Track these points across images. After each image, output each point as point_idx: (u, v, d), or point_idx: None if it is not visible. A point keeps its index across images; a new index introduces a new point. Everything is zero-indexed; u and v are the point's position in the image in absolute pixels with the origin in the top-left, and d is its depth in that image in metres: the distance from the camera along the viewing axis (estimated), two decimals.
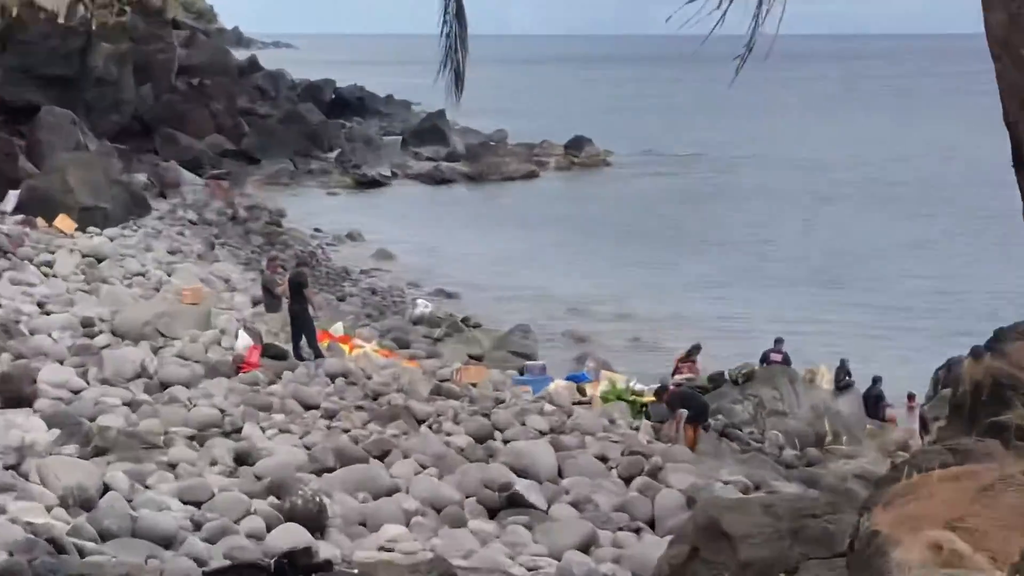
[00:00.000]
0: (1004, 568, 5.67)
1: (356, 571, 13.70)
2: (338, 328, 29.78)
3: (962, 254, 51.18)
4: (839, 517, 11.89)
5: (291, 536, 16.02)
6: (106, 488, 17.30)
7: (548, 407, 24.35)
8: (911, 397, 30.88)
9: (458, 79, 8.66)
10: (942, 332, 37.29)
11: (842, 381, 29.93)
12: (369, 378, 24.85)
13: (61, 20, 52.78)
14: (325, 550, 16.01)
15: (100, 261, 35.20)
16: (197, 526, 16.53)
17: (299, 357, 25.91)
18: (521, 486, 19.21)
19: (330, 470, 19.45)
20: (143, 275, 34.74)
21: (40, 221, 38.33)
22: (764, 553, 11.60)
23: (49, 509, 16.36)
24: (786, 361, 29.74)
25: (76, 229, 38.54)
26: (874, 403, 29.73)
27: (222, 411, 21.58)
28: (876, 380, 30.19)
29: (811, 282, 45.58)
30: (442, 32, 8.58)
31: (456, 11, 8.38)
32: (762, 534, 11.88)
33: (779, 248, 52.79)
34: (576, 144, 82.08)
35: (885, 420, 29.68)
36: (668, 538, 16.66)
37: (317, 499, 17.19)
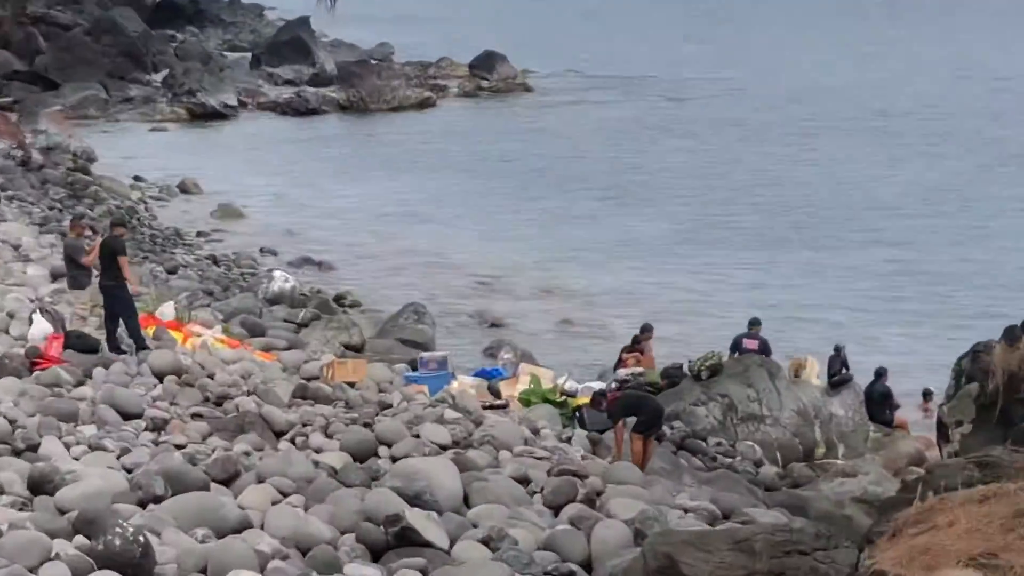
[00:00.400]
0: None
1: None
2: (168, 310, 29.53)
3: (989, 205, 51.84)
4: (833, 553, 12.00)
5: None
6: None
7: (450, 413, 24.27)
8: (927, 395, 31.20)
9: None
10: (966, 309, 37.76)
11: (837, 375, 30.15)
12: (210, 376, 24.60)
13: None
14: None
15: None
16: None
17: (115, 349, 25.64)
18: (415, 518, 19.13)
19: (158, 500, 19.26)
20: None
21: None
22: None
23: None
24: (764, 349, 29.86)
25: None
26: (878, 403, 29.93)
27: (12, 422, 21.25)
28: (880, 373, 30.33)
29: (794, 243, 45.98)
30: None
31: None
32: (730, 572, 11.95)
33: (752, 199, 53.16)
34: (486, 63, 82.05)
35: (893, 425, 29.92)
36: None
37: (141, 538, 17.01)
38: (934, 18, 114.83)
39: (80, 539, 17.27)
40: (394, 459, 21.80)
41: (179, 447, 21.37)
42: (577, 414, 26.75)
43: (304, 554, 18.20)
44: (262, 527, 18.83)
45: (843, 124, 70.28)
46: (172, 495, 19.20)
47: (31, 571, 16.34)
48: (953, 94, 79.73)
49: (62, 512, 18.26)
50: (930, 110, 73.95)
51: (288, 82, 77.35)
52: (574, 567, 18.95)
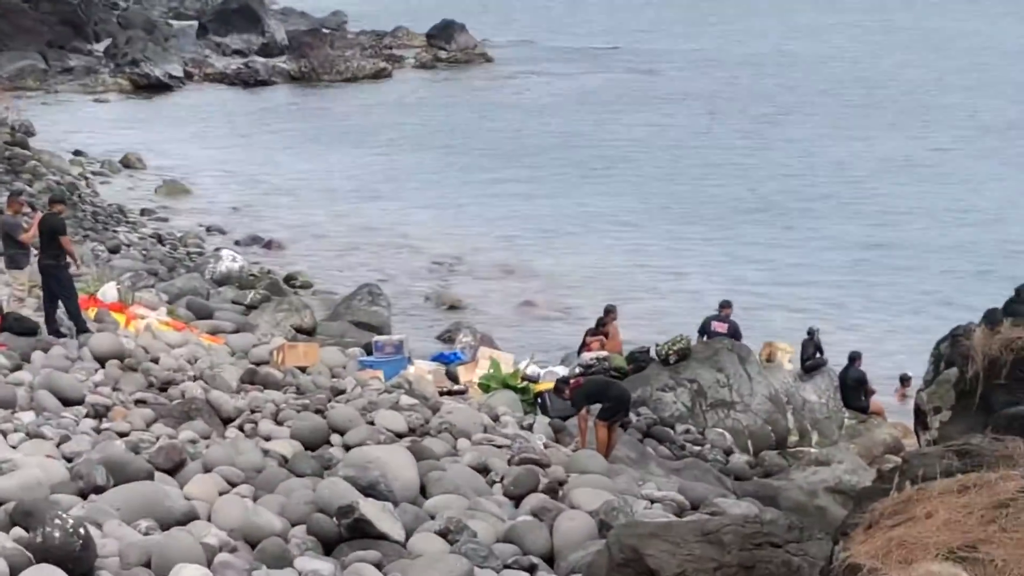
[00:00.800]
0: None
1: None
2: (110, 291, 29.42)
3: (968, 181, 51.96)
4: (806, 546, 12.01)
5: None
6: None
7: (407, 399, 24.24)
8: (904, 380, 31.23)
9: None
10: (944, 290, 37.82)
11: (811, 359, 30.20)
12: (154, 361, 24.48)
13: None
14: None
15: None
16: None
17: (55, 332, 25.56)
18: (369, 510, 19.10)
19: (100, 490, 19.17)
20: None
21: None
22: None
23: None
24: (734, 332, 29.87)
25: None
26: (853, 388, 29.97)
27: None
28: (854, 357, 30.36)
29: (767, 221, 46.01)
30: None
31: None
32: (702, 571, 11.97)
33: (723, 174, 53.17)
34: (444, 32, 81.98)
35: (868, 411, 29.93)
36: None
37: (81, 530, 16.95)
38: None
39: (17, 531, 17.18)
40: (347, 447, 21.76)
41: (122, 435, 21.29)
42: (539, 400, 26.69)
43: (253, 547, 18.14)
44: (209, 519, 18.76)
45: (817, 97, 70.45)
46: (114, 485, 19.12)
47: None
48: (934, 66, 79.97)
49: None
50: (907, 84, 74.17)
51: (236, 52, 77.16)
52: (536, 560, 18.93)
